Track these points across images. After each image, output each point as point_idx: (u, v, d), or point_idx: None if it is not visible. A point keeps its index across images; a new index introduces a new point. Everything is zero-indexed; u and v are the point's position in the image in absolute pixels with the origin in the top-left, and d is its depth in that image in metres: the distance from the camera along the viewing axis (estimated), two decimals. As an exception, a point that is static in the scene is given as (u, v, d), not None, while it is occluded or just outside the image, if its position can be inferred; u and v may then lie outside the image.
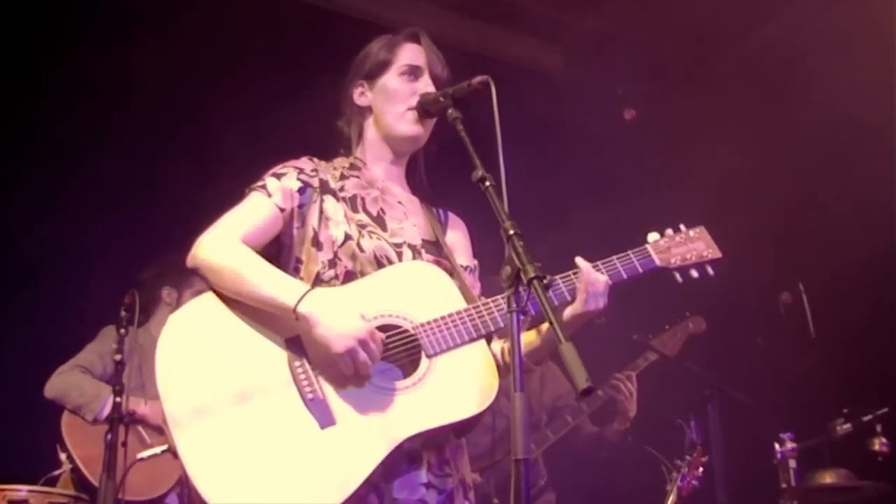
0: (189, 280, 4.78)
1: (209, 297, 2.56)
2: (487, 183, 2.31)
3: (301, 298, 2.43)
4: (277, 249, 2.72)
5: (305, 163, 2.80)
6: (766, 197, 5.82)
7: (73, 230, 4.97)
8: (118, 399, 3.81)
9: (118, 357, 3.91)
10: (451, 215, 3.01)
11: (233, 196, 2.71)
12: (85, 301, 4.98)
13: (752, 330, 5.68)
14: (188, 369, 2.44)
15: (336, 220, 2.68)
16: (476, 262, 2.94)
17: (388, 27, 3.03)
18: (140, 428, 4.42)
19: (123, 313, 3.93)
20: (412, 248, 2.72)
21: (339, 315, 2.42)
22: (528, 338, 2.71)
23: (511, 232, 2.17)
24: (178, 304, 4.78)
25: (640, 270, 2.75)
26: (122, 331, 3.92)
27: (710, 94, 5.69)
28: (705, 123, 5.70)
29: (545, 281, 2.08)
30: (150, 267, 4.92)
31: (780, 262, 5.93)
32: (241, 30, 5.04)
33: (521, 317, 2.11)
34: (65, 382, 4.43)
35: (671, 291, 2.95)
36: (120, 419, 3.78)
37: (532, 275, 2.07)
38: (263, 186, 2.69)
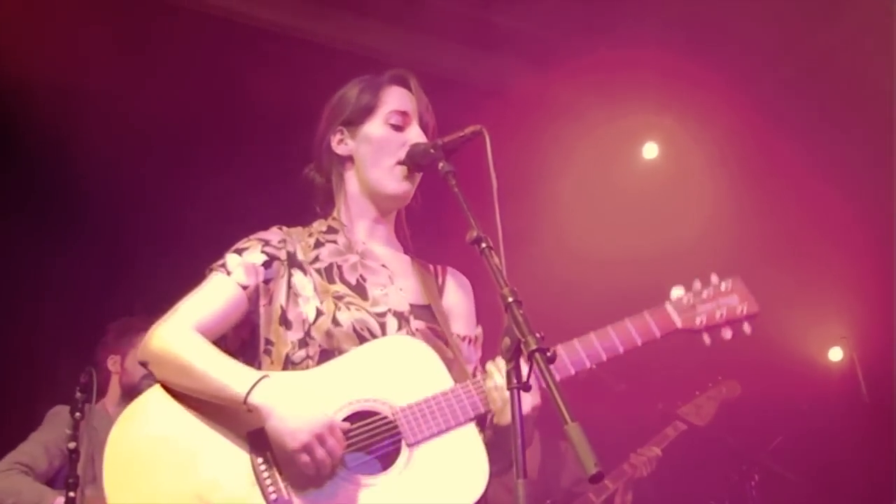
0: (129, 339, 4.80)
1: (161, 389, 2.59)
2: (483, 245, 2.35)
3: (252, 388, 2.46)
4: (250, 332, 2.75)
5: (273, 234, 2.84)
6: (810, 247, 5.90)
7: (20, 303, 5.04)
8: (72, 494, 3.76)
9: (72, 445, 3.85)
10: (451, 273, 3.02)
11: (192, 269, 2.78)
12: (34, 381, 5.02)
13: (796, 394, 5.72)
14: (140, 475, 2.46)
15: (306, 296, 2.72)
16: (479, 329, 2.94)
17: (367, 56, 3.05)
18: None
19: (78, 394, 3.88)
20: (398, 315, 2.74)
21: (294, 406, 2.44)
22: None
23: (510, 299, 2.20)
24: (122, 368, 4.83)
25: (658, 335, 2.72)
26: (78, 414, 3.87)
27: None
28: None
29: (549, 353, 2.10)
30: (99, 342, 4.94)
31: (827, 317, 6.00)
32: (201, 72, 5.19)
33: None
34: (1, 487, 4.35)
35: (701, 352, 2.94)
36: (75, 518, 3.72)
37: (533, 347, 2.09)
38: (223, 265, 2.73)
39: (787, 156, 5.74)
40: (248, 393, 2.46)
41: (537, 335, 2.12)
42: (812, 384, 6.03)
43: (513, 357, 2.15)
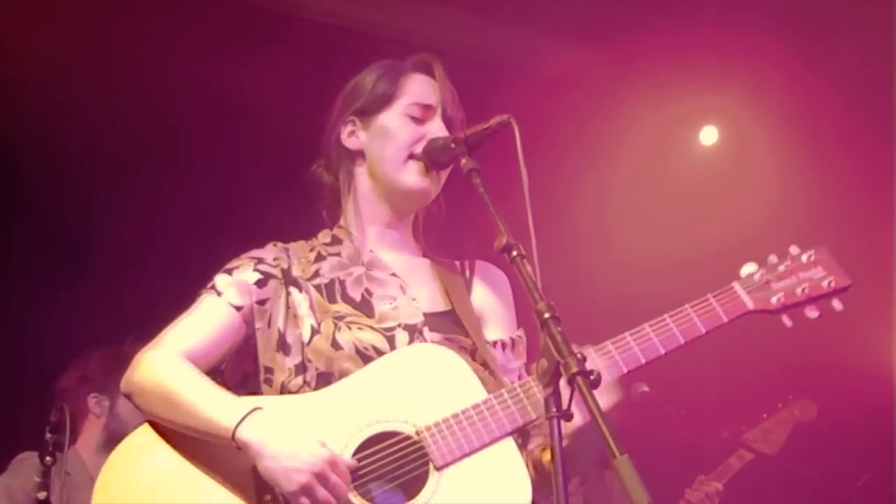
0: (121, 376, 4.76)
1: (152, 426, 2.65)
2: (514, 253, 2.38)
3: (241, 422, 2.49)
4: (252, 361, 2.79)
5: (268, 251, 2.90)
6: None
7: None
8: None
9: (42, 495, 3.84)
10: (481, 268, 3.05)
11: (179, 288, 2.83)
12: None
13: (889, 420, 5.67)
14: None
15: (301, 315, 2.76)
16: (520, 332, 2.96)
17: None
18: None
19: (49, 436, 3.87)
20: (410, 328, 2.76)
21: (289, 442, 2.47)
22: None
23: (546, 315, 2.22)
24: (111, 413, 4.74)
25: (725, 319, 2.69)
26: (49, 458, 3.85)
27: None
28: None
29: (592, 377, 2.11)
30: (71, 370, 4.85)
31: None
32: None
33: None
34: None
35: (769, 368, 2.91)
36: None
37: (574, 369, 2.10)
38: (212, 286, 2.80)
39: (865, 140, 5.71)
40: (236, 428, 2.49)
41: (579, 355, 2.13)
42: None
43: (551, 381, 2.17)
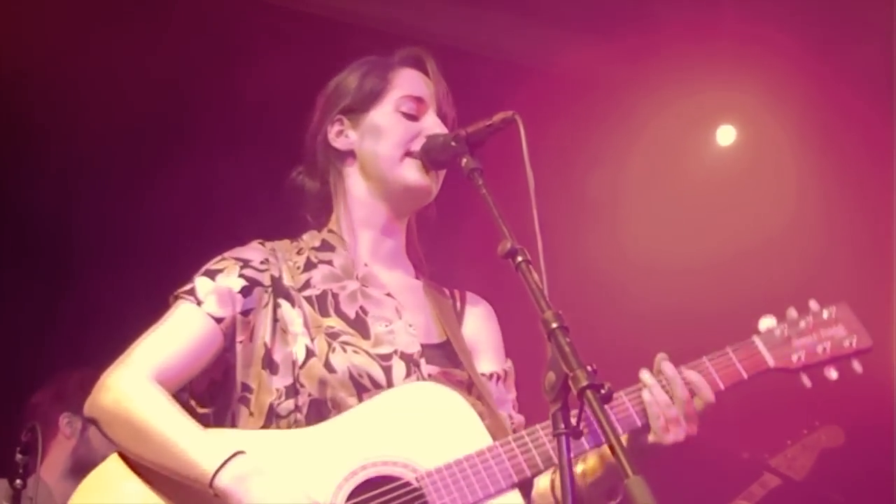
0: None
1: (122, 457, 2.59)
2: (519, 258, 2.33)
3: (220, 468, 2.42)
4: (222, 372, 2.72)
5: (254, 251, 2.82)
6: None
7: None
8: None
9: None
10: (470, 299, 3.04)
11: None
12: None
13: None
14: None
15: (294, 332, 2.69)
16: (509, 364, 2.95)
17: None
18: None
19: (19, 457, 3.81)
20: (407, 358, 2.72)
21: (270, 491, 2.40)
22: (590, 465, 2.72)
23: (554, 325, 2.18)
24: (81, 437, 4.68)
25: (745, 376, 2.71)
26: (19, 482, 3.80)
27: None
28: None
29: (603, 391, 2.07)
30: (48, 386, 4.81)
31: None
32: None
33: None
34: None
35: (795, 390, 2.90)
36: None
37: (584, 383, 2.06)
38: (191, 291, 2.70)
39: (888, 141, 5.68)
40: (215, 475, 2.42)
41: (588, 368, 2.09)
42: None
43: (559, 396, 2.13)
